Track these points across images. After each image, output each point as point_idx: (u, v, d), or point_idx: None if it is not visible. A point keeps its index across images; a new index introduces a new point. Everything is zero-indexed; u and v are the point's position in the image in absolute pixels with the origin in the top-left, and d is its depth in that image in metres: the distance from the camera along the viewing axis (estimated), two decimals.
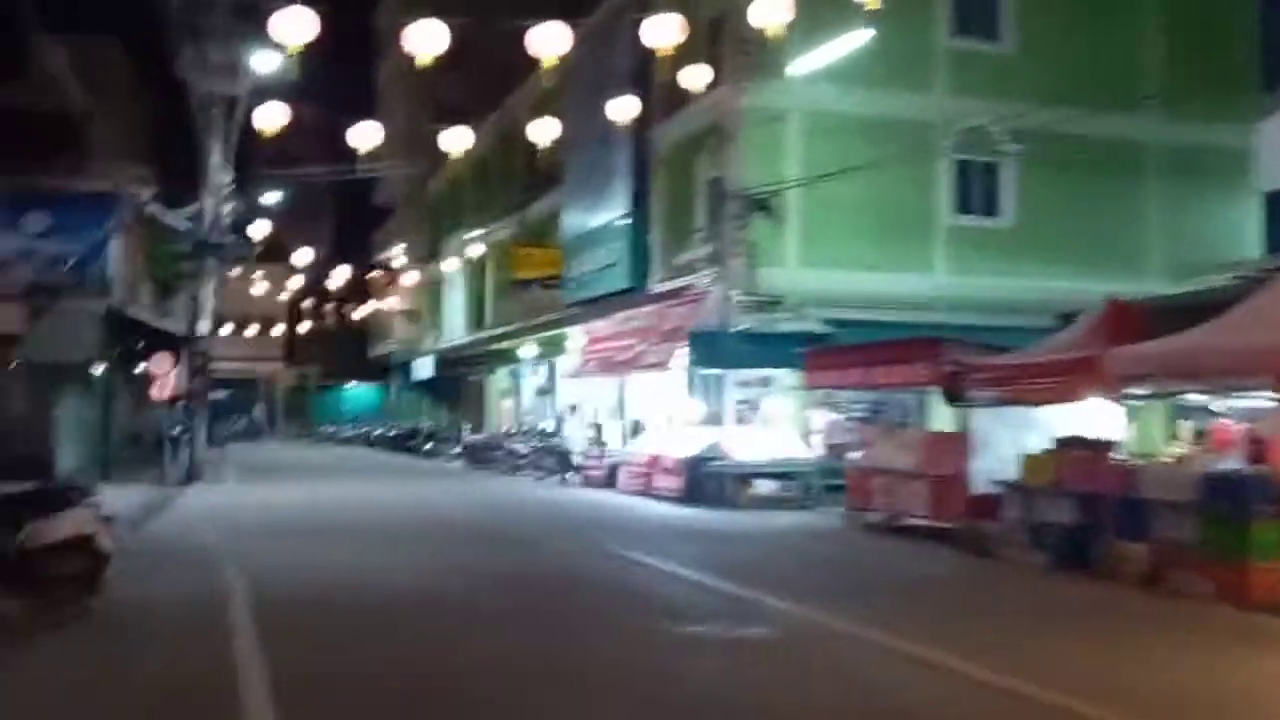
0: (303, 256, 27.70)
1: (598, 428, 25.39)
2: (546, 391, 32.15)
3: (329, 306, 47.16)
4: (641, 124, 23.42)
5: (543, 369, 32.31)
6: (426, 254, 45.21)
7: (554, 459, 23.85)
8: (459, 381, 41.98)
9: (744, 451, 17.53)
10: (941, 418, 19.36)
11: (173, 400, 22.38)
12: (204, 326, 22.35)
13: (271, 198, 30.63)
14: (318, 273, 42.15)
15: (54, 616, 7.93)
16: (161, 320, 23.82)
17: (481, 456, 27.53)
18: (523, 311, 32.28)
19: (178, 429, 25.50)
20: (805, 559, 12.13)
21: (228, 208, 22.38)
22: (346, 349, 53.86)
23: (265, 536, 13.33)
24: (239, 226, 23.74)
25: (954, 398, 12.59)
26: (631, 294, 23.20)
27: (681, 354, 18.37)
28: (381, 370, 53.05)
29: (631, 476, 19.81)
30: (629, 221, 23.46)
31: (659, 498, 18.43)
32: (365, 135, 15.45)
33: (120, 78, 30.33)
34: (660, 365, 18.64)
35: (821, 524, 15.22)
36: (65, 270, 21.47)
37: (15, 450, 21.11)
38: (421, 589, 9.78)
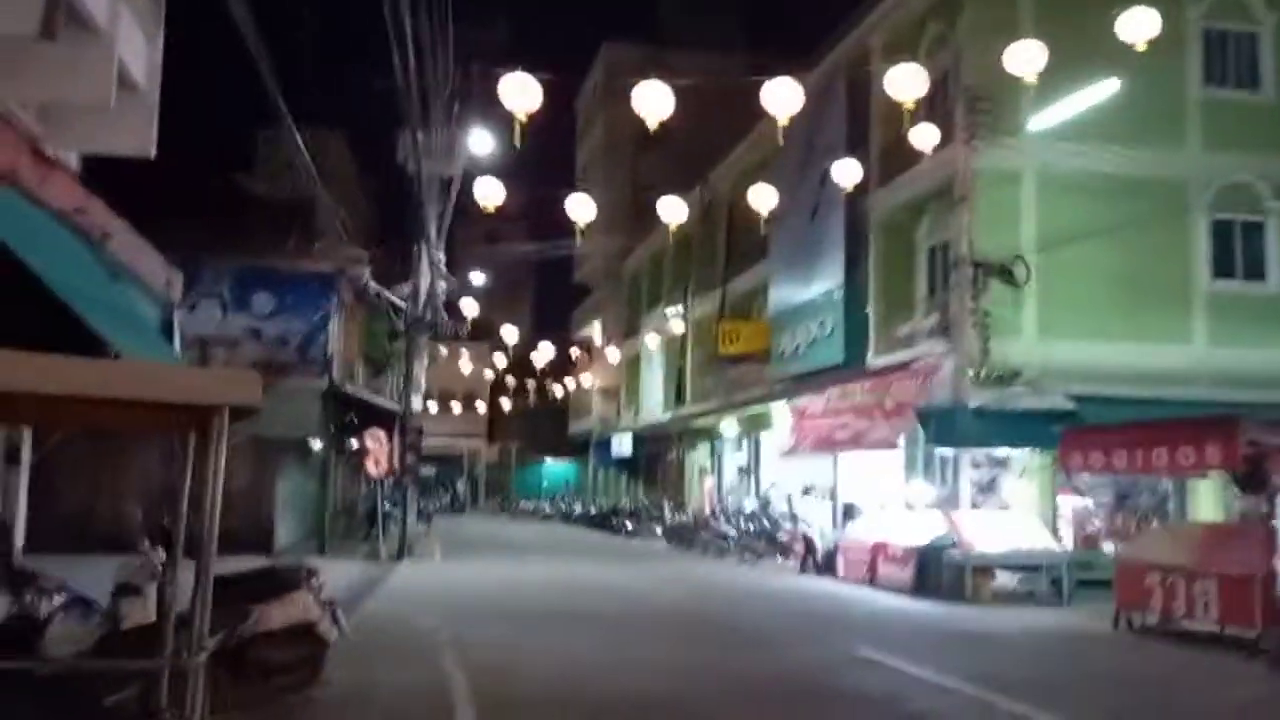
0: (509, 334, 27.86)
1: (794, 512, 24.22)
2: (749, 471, 31.16)
3: (531, 383, 47.66)
4: (856, 191, 22.61)
5: (745, 447, 31.41)
6: (625, 331, 45.32)
7: (764, 542, 22.73)
8: (657, 459, 41.49)
9: (982, 539, 15.97)
10: (1205, 505, 17.37)
11: (386, 475, 22.55)
12: (416, 403, 22.48)
13: (478, 279, 31.12)
14: (520, 350, 42.81)
15: (274, 708, 7.44)
16: (375, 397, 24.17)
17: (686, 537, 26.64)
18: (725, 388, 31.54)
19: (389, 505, 25.84)
20: (1087, 670, 10.57)
21: (441, 286, 22.59)
22: (545, 426, 54.38)
23: (478, 620, 12.76)
24: (449, 305, 24.00)
25: (1252, 483, 10.88)
26: (846, 369, 22.06)
27: (907, 431, 17.06)
28: (579, 447, 53.23)
29: (852, 563, 18.48)
30: (842, 293, 22.41)
31: (884, 588, 17.06)
32: (579, 208, 15.09)
33: (343, 166, 31.83)
34: (886, 443, 17.38)
35: (1081, 625, 13.52)
36: (290, 348, 22.07)
37: (237, 522, 21.69)
38: (649, 694, 8.87)
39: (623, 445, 42.56)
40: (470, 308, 24.71)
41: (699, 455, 36.54)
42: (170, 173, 22.97)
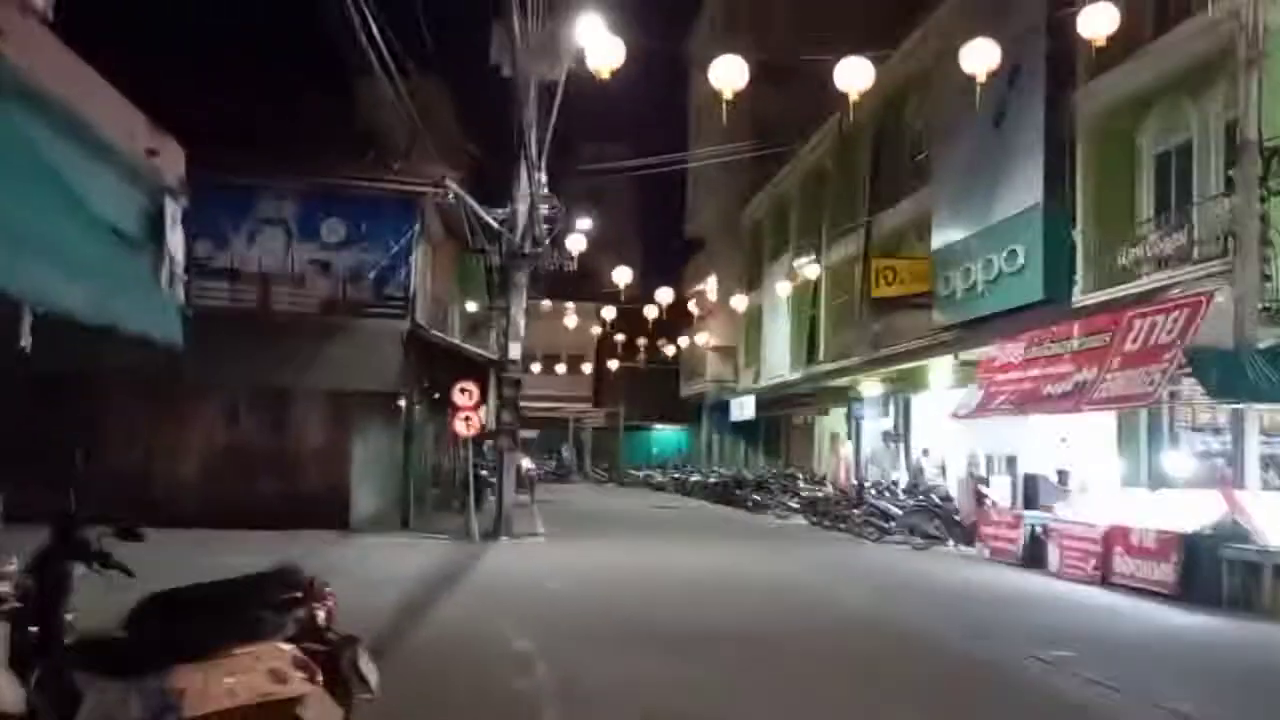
0: (621, 275, 24.01)
1: (979, 481, 19.86)
2: (897, 437, 26.82)
3: (641, 342, 43.85)
4: (1056, 88, 18.08)
5: (891, 409, 27.06)
6: (744, 285, 41.02)
7: (938, 523, 18.49)
8: (780, 424, 37.33)
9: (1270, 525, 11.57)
10: None
11: (479, 438, 18.95)
12: (515, 351, 18.76)
13: (582, 226, 27.01)
14: (629, 307, 39.05)
15: None
16: (466, 344, 20.55)
17: (829, 513, 22.48)
18: (869, 341, 27.17)
19: (484, 470, 22.26)
20: None
21: (543, 211, 18.77)
22: (655, 388, 50.56)
23: (594, 646, 8.85)
24: (553, 240, 20.15)
25: None
26: (1047, 308, 17.62)
27: (1166, 382, 12.63)
28: (691, 411, 49.32)
29: (1072, 554, 14.19)
30: (1041, 215, 17.89)
31: (1124, 588, 12.78)
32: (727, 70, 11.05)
33: (439, 106, 28.08)
34: (1139, 398, 12.94)
35: None
36: (366, 284, 18.55)
37: (309, 488, 18.36)
38: None
39: (743, 409, 38.45)
40: (576, 243, 20.86)
41: (832, 420, 32.26)
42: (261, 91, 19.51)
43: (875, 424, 28.61)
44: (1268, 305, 12.36)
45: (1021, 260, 18.29)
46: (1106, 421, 17.00)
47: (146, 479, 17.68)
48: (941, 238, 21.77)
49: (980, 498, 18.66)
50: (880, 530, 19.51)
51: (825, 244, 31.65)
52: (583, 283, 48.04)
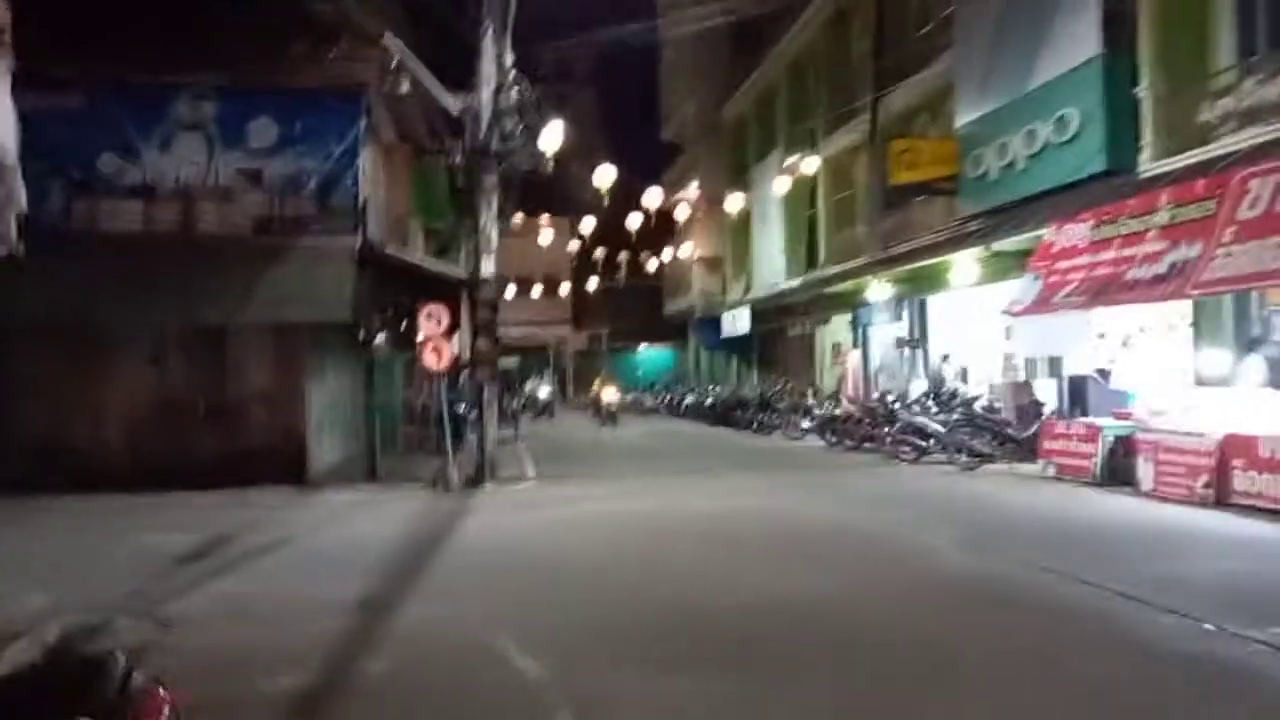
0: (604, 175, 21.14)
1: (1024, 387, 17.47)
2: (913, 343, 24.34)
3: (622, 257, 41.04)
4: None
5: (906, 314, 24.56)
6: (729, 189, 38.09)
7: (988, 438, 16.04)
8: (776, 337, 34.78)
9: None
10: None
11: (451, 369, 16.29)
12: (488, 267, 16.01)
13: (552, 133, 23.76)
14: (604, 221, 36.18)
15: None
16: (429, 261, 17.75)
17: (850, 433, 20.02)
18: (880, 237, 24.54)
19: (463, 406, 19.61)
20: None
21: (511, 98, 15.84)
22: (638, 307, 47.89)
23: (628, 656, 6.27)
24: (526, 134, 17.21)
25: None
26: (1109, 180, 14.99)
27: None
28: (676, 329, 46.70)
29: (1174, 471, 11.77)
30: (1100, 70, 15.15)
31: (1256, 510, 10.39)
32: None
33: None
34: (1258, 278, 10.35)
35: None
36: (305, 195, 15.67)
37: (258, 440, 15.70)
38: None
39: (736, 322, 35.88)
40: (551, 138, 17.90)
41: (834, 329, 29.76)
42: None
43: (884, 330, 26.15)
44: None
45: (1076, 126, 15.57)
46: (1165, 311, 14.57)
47: (66, 442, 15.01)
48: (969, 112, 18.98)
49: (1036, 406, 16.25)
50: (918, 450, 17.07)
51: (821, 135, 28.79)
52: (555, 196, 45.23)
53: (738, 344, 37.73)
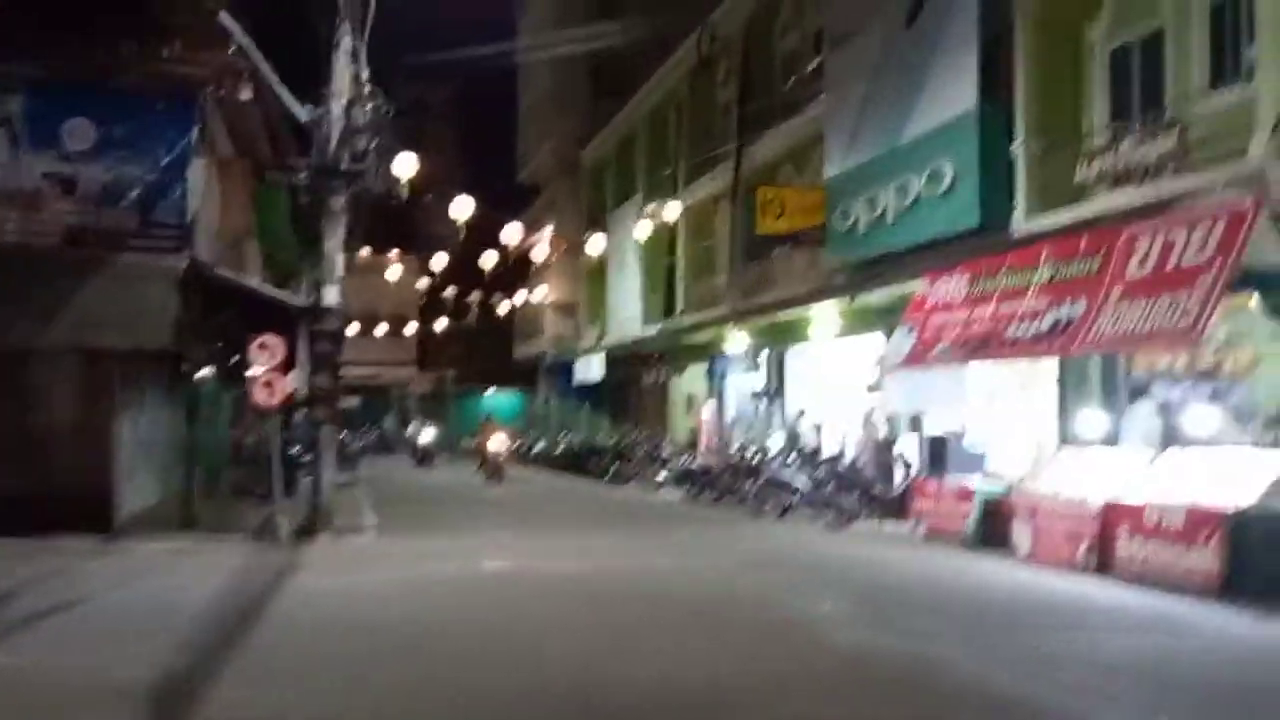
0: (462, 207, 19.86)
1: (887, 445, 17.09)
2: (769, 396, 23.90)
3: (474, 298, 39.68)
4: None
5: (764, 366, 24.14)
6: (585, 235, 37.32)
7: (854, 495, 15.49)
8: (628, 386, 33.99)
9: None
10: None
11: (286, 406, 14.78)
12: (332, 296, 14.65)
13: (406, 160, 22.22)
14: (457, 261, 34.88)
15: None
16: (265, 288, 16.22)
17: (711, 486, 19.27)
18: (740, 287, 24.08)
19: (296, 448, 18.02)
20: None
21: (365, 115, 14.59)
22: (486, 350, 46.45)
23: None
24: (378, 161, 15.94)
25: None
26: (981, 238, 14.77)
27: (1217, 312, 9.74)
28: (525, 374, 45.47)
29: (1053, 536, 11.34)
30: (976, 126, 14.97)
31: (1136, 581, 9.99)
32: None
33: None
34: (1170, 336, 10.00)
35: None
36: (125, 206, 14.01)
37: (58, 480, 13.78)
38: None
39: (590, 369, 35.01)
40: (406, 165, 16.67)
41: (689, 379, 29.21)
42: None
43: (741, 382, 25.71)
44: None
45: (949, 181, 15.34)
46: (1019, 371, 14.43)
47: None
48: (838, 162, 18.71)
49: (905, 464, 15.84)
50: (783, 506, 16.41)
51: (682, 182, 28.35)
52: (405, 232, 43.59)
53: (590, 391, 36.83)
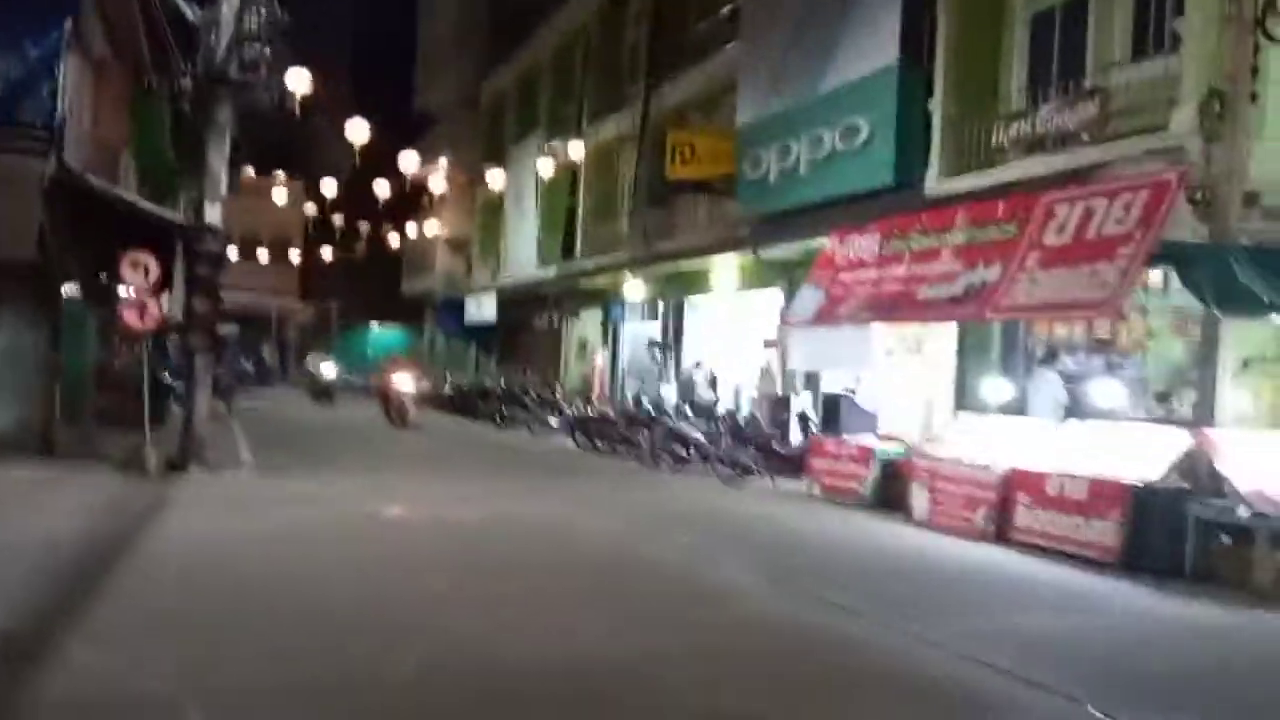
0: (358, 130, 18.79)
1: (780, 401, 16.95)
2: (665, 346, 23.58)
3: (363, 228, 38.30)
4: None
5: (661, 315, 23.81)
6: (482, 169, 36.22)
7: (750, 451, 15.27)
8: (519, 328, 33.30)
9: (1260, 480, 9.00)
10: None
11: (159, 331, 13.79)
12: (214, 215, 13.67)
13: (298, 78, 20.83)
14: (345, 189, 33.49)
15: None
16: (136, 199, 15.06)
17: (604, 435, 18.91)
18: (641, 233, 23.60)
19: (166, 376, 16.99)
20: None
21: (258, 18, 13.54)
22: (373, 283, 44.97)
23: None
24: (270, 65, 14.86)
25: None
26: (895, 195, 14.58)
27: (1132, 286, 9.66)
28: (412, 310, 44.29)
29: (951, 501, 11.29)
30: (895, 81, 14.70)
31: (1039, 550, 9.98)
32: None
33: None
34: (1089, 306, 9.90)
35: None
36: None
37: None
38: None
39: (481, 308, 34.18)
40: (298, 79, 15.60)
41: (584, 325, 28.74)
42: None
43: (637, 330, 25.36)
44: (1252, 191, 9.58)
45: (865, 136, 15.09)
46: (909, 334, 14.42)
47: None
48: (751, 110, 18.29)
49: (803, 421, 15.71)
50: (678, 459, 16.13)
51: (587, 121, 27.63)
52: (293, 154, 41.73)
53: (479, 331, 36.04)
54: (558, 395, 24.70)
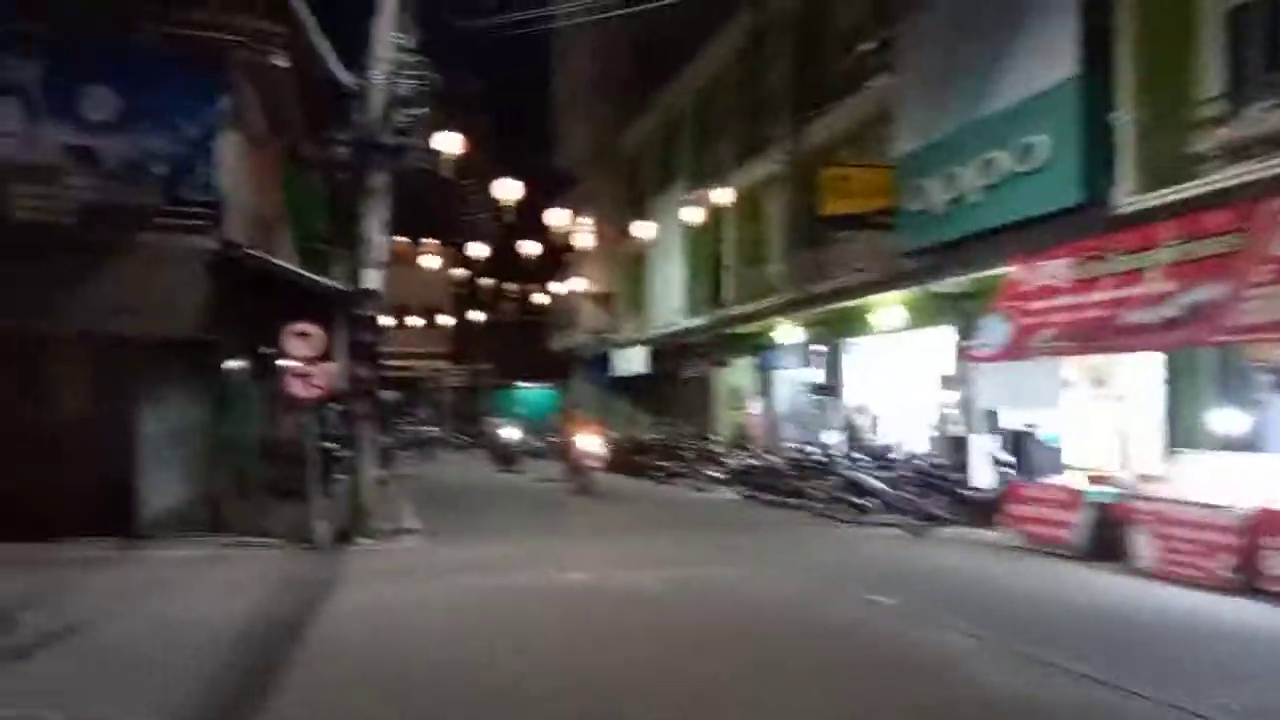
0: (508, 189, 18.64)
1: (1003, 436, 15.73)
2: (826, 390, 22.58)
3: (510, 288, 38.59)
4: None
5: (818, 359, 22.83)
6: (623, 223, 36.05)
7: (939, 498, 14.18)
8: (668, 379, 32.71)
9: None
10: None
11: (322, 400, 13.66)
12: (374, 280, 13.52)
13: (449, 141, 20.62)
14: (491, 254, 33.82)
15: None
16: (298, 270, 15.08)
17: (771, 487, 18.03)
18: (797, 274, 22.76)
19: (330, 444, 16.86)
20: None
21: (409, 83, 13.42)
22: (520, 342, 45.33)
23: None
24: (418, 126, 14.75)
25: None
26: (1078, 215, 13.42)
27: None
28: (559, 367, 44.29)
29: (1183, 547, 10.04)
30: (1076, 93, 13.62)
31: None
32: None
33: None
34: None
35: None
36: (150, 182, 12.92)
37: (75, 478, 12.69)
38: None
39: (630, 362, 33.78)
40: (450, 142, 15.52)
41: (734, 373, 27.94)
42: None
43: (792, 375, 24.45)
44: None
45: (1044, 154, 14.01)
46: (1093, 365, 13.14)
47: None
48: (911, 138, 17.36)
49: (998, 465, 14.54)
50: (856, 509, 15.14)
51: (732, 166, 27.06)
52: (439, 220, 42.52)
53: (627, 384, 35.65)
54: (715, 446, 23.93)
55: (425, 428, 34.29)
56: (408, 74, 13.46)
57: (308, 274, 14.59)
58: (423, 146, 14.50)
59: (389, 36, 13.30)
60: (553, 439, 28.33)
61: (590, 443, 20.69)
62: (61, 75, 12.61)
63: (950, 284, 16.67)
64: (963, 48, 15.89)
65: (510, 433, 29.90)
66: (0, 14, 12.18)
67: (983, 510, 13.70)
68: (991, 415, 16.23)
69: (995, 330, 13.38)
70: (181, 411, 14.45)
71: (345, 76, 12.98)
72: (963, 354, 14.61)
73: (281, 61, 13.17)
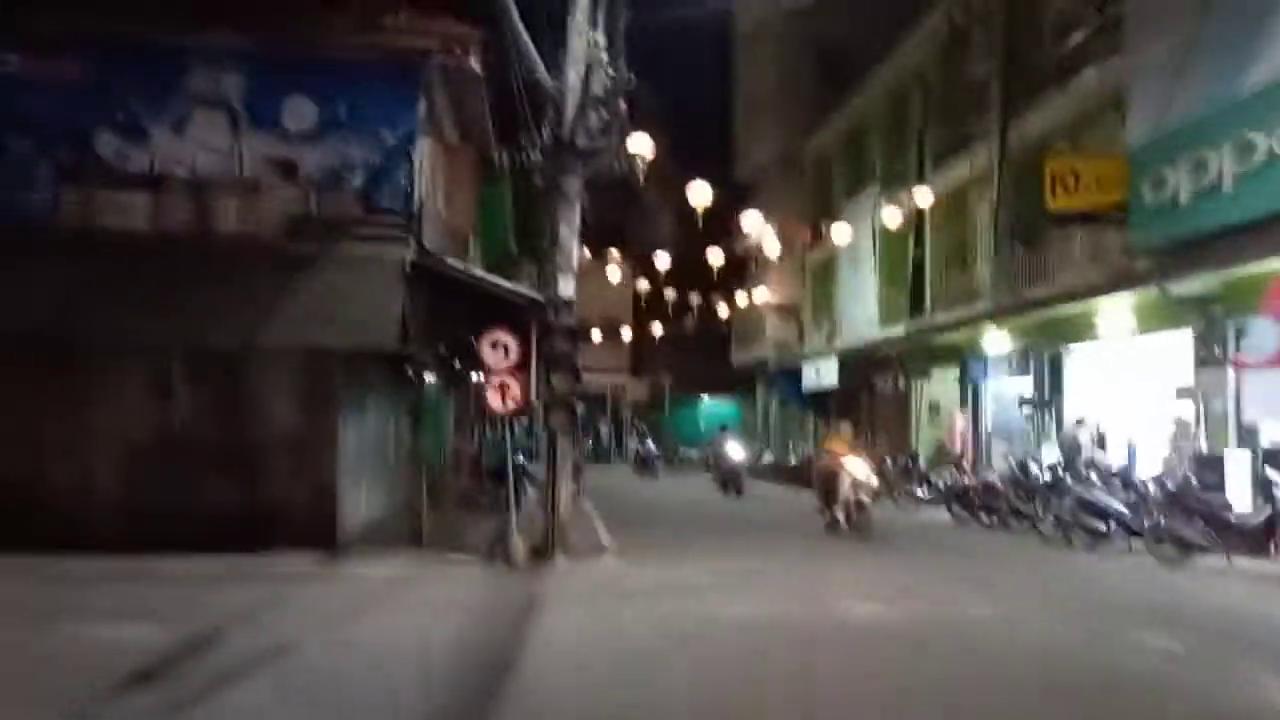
0: (700, 193, 17.95)
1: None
2: (1040, 403, 20.88)
3: (691, 299, 37.97)
4: None
5: (1031, 369, 21.14)
6: (810, 231, 34.84)
7: (1198, 523, 12.52)
8: (859, 393, 31.28)
9: None
10: None
11: (518, 412, 13.18)
12: (568, 288, 12.97)
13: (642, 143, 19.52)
14: (670, 267, 33.31)
15: None
16: (492, 278, 14.67)
17: (987, 507, 16.62)
18: (1011, 277, 21.18)
19: (520, 457, 16.51)
20: None
21: (602, 84, 12.83)
22: (701, 356, 44.67)
23: None
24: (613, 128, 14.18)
25: None
26: None
27: None
28: (743, 381, 43.36)
29: None
30: None
31: None
32: None
33: None
34: None
35: None
36: (347, 192, 12.75)
37: (278, 491, 12.60)
38: None
39: (820, 375, 32.54)
40: (643, 144, 14.90)
41: (936, 386, 26.39)
42: None
43: (1002, 387, 22.82)
44: None
45: None
46: None
47: (40, 486, 11.91)
48: (1147, 125, 15.70)
49: (1264, 486, 12.82)
50: (1094, 534, 13.63)
51: (930, 166, 25.61)
52: (620, 231, 42.36)
53: (815, 399, 34.38)
54: (920, 463, 22.54)
55: (604, 441, 33.79)
56: (603, 71, 12.86)
57: (503, 282, 14.17)
58: (617, 148, 13.88)
59: (585, 33, 12.75)
60: (813, 459, 24.04)
61: (858, 468, 16.07)
62: (262, 86, 12.59)
63: (1193, 284, 15.00)
64: (1208, 21, 14.22)
65: (736, 451, 26.15)
66: (200, 29, 12.19)
67: (1249, 537, 12.03)
68: (1252, 431, 14.49)
69: (1268, 333, 11.74)
70: (379, 424, 14.33)
71: (545, 77, 12.47)
72: (1232, 361, 12.93)
73: (475, 66, 12.80)
